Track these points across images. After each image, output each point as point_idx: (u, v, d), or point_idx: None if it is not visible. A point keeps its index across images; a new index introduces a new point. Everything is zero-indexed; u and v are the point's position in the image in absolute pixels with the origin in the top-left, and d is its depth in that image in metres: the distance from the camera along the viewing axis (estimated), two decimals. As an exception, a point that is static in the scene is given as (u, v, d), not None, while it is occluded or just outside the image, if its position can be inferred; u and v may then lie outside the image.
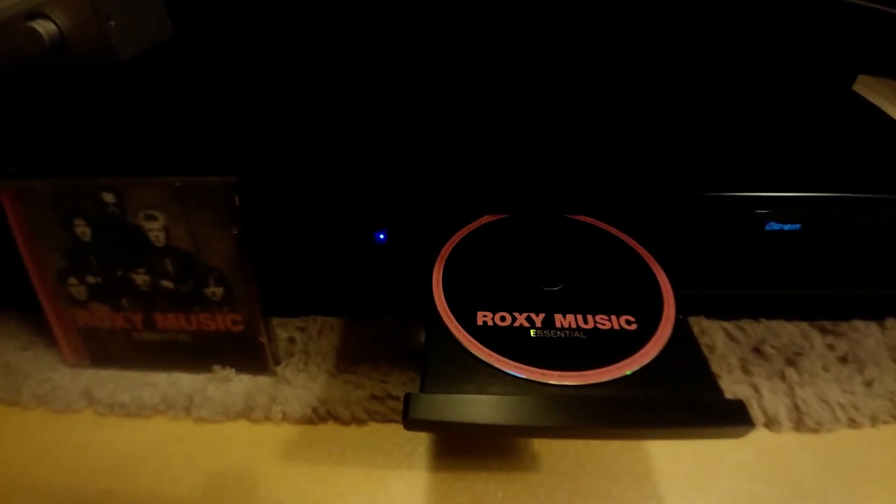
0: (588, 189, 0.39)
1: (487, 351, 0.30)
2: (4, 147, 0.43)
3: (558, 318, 0.31)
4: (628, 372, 0.29)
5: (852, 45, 0.56)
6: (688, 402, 0.28)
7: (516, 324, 0.31)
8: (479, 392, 0.28)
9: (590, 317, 0.31)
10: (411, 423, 0.27)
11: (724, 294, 0.44)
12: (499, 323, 0.31)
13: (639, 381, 0.28)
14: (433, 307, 0.32)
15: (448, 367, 0.29)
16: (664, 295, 0.33)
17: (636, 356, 0.29)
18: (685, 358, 0.30)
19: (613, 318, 0.31)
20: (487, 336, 0.30)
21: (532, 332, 0.31)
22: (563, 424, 0.27)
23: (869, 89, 0.59)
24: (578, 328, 0.31)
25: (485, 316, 0.31)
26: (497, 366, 0.29)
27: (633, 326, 0.31)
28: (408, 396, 0.27)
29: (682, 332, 0.31)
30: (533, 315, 0.32)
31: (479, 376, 0.29)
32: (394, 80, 0.56)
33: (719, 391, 0.28)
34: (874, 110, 0.51)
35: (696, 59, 0.57)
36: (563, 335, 0.31)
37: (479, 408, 0.27)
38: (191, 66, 0.53)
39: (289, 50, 0.56)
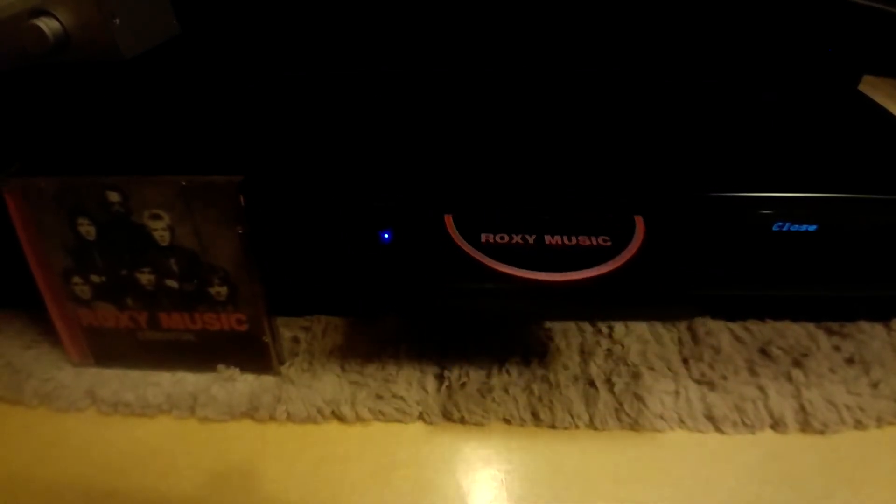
0: (594, 189, 0.39)
1: (490, 259, 0.35)
2: (8, 145, 0.43)
3: (547, 237, 0.36)
4: None
5: (857, 46, 0.56)
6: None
7: (513, 241, 0.36)
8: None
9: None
10: None
11: (731, 295, 0.44)
12: (499, 241, 0.36)
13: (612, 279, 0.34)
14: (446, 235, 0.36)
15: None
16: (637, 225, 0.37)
17: (609, 263, 0.35)
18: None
19: (593, 238, 0.36)
20: (491, 251, 0.35)
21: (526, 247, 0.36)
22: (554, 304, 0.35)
23: (874, 89, 0.59)
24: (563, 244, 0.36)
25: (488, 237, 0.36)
26: (499, 269, 0.34)
27: (609, 244, 0.36)
28: None
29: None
30: (527, 236, 0.36)
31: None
32: (402, 79, 0.55)
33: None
34: (880, 110, 0.51)
35: (703, 60, 0.57)
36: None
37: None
38: (196, 64, 0.53)
39: (295, 48, 0.56)
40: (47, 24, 0.39)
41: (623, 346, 0.43)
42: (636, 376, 0.41)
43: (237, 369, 0.42)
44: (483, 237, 0.36)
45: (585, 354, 0.43)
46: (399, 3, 0.55)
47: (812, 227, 0.38)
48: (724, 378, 0.41)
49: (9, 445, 0.39)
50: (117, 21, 0.40)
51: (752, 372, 0.42)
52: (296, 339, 0.45)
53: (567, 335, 0.44)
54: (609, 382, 0.41)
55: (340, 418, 0.40)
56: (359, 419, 0.40)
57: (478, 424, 0.39)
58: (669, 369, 0.42)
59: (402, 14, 0.55)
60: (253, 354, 0.41)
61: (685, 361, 0.43)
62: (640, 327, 0.45)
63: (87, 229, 0.38)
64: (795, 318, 0.45)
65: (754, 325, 0.45)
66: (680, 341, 0.44)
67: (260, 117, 0.49)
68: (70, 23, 0.39)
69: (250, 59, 0.56)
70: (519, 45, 0.57)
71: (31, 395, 0.41)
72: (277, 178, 0.39)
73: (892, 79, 0.73)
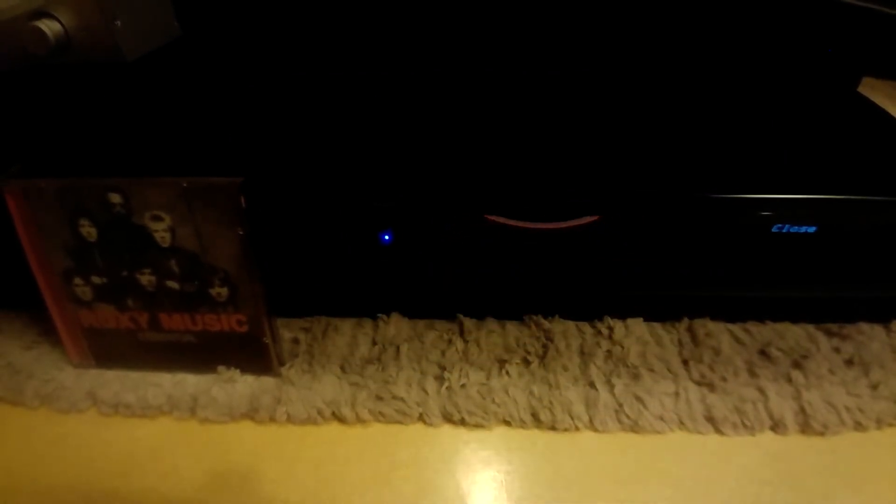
0: (594, 190, 0.39)
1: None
2: (9, 146, 0.43)
3: None
4: None
5: (857, 47, 0.56)
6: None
7: None
8: None
9: None
10: None
11: (730, 296, 0.44)
12: None
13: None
14: None
15: None
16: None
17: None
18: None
19: None
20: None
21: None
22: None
23: (873, 90, 0.59)
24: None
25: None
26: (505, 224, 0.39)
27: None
28: None
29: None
30: None
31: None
32: (403, 80, 0.55)
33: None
34: (879, 112, 0.51)
35: (703, 61, 0.57)
36: None
37: None
38: (197, 66, 0.53)
39: (297, 49, 0.56)
40: (48, 26, 0.39)
41: (623, 347, 0.43)
42: (636, 378, 0.42)
43: (237, 370, 0.42)
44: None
45: (585, 356, 0.43)
46: (396, 4, 0.55)
47: (811, 229, 0.38)
48: (724, 379, 0.41)
49: (9, 446, 0.39)
50: (119, 23, 0.40)
51: (752, 373, 0.42)
52: (296, 340, 0.45)
53: (567, 336, 0.45)
54: (609, 384, 0.41)
55: (340, 419, 0.40)
56: (359, 420, 0.40)
57: (478, 426, 0.40)
58: (669, 371, 0.42)
59: (398, 16, 0.55)
60: (253, 355, 0.41)
61: (685, 363, 0.43)
62: (640, 328, 0.45)
63: (88, 230, 0.38)
64: (795, 319, 0.46)
65: (754, 327, 0.45)
66: (680, 343, 0.44)
67: (260, 118, 0.49)
68: (71, 24, 0.40)
69: (251, 61, 0.56)
70: (512, 45, 0.57)
71: (32, 395, 0.41)
72: (278, 180, 0.39)
73: (891, 80, 0.73)
